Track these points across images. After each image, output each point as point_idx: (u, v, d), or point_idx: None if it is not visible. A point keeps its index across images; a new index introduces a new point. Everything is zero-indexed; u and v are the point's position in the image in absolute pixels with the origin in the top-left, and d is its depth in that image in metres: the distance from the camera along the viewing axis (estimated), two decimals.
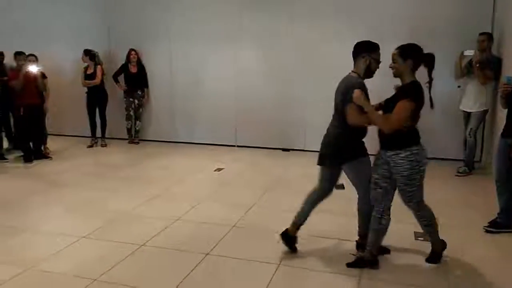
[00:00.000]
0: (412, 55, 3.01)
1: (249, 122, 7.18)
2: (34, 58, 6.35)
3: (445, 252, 3.29)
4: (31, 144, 6.40)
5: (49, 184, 5.30)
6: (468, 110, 5.52)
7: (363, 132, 3.20)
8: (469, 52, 5.35)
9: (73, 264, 3.19)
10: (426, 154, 2.99)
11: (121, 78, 7.48)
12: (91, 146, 7.41)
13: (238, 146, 7.29)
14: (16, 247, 3.51)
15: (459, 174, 5.53)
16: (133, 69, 7.40)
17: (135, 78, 7.42)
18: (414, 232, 3.74)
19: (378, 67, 3.22)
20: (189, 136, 7.58)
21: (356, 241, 3.41)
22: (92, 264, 3.20)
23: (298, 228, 3.40)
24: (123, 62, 7.41)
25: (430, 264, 3.21)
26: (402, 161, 2.92)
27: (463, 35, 5.79)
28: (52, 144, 6.96)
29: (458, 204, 4.53)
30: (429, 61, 3.06)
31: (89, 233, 3.75)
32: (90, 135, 7.54)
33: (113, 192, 4.94)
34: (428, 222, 3.19)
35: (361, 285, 2.93)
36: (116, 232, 3.79)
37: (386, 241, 3.54)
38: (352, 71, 3.23)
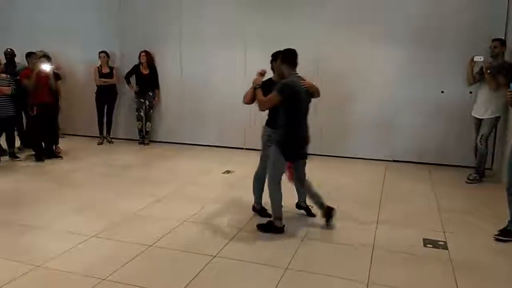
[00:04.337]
0: (276, 59, 3.90)
1: (258, 125, 7.16)
2: (45, 60, 6.44)
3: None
4: (43, 143, 6.46)
5: (59, 183, 5.35)
6: (480, 117, 5.46)
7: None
8: (479, 58, 5.28)
9: (82, 263, 3.22)
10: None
11: (133, 79, 7.56)
12: (101, 143, 7.62)
13: (246, 148, 7.30)
14: (26, 245, 3.55)
15: (469, 181, 5.48)
16: (144, 70, 7.46)
17: (146, 79, 7.49)
18: (423, 239, 3.72)
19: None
20: (198, 138, 7.61)
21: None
22: (101, 263, 3.23)
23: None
24: (136, 63, 7.48)
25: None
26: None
27: (476, 41, 5.75)
28: (62, 143, 7.04)
29: (468, 211, 4.48)
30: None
31: (98, 233, 3.78)
32: (99, 134, 7.72)
33: (123, 192, 4.98)
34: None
35: None
36: (125, 232, 3.81)
37: (393, 247, 3.54)
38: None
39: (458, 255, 3.42)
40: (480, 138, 5.42)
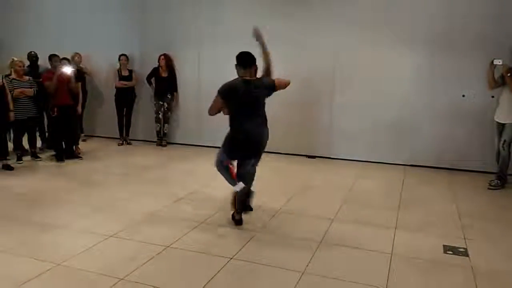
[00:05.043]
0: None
1: (274, 128, 7.14)
2: (66, 62, 6.59)
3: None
4: (63, 143, 6.58)
5: (79, 183, 5.43)
6: (502, 122, 5.35)
7: None
8: (498, 61, 5.19)
9: (101, 263, 3.26)
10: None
11: (152, 81, 7.69)
12: (121, 144, 7.77)
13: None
14: (46, 244, 3.61)
15: (491, 187, 5.37)
16: (163, 73, 7.54)
17: (165, 82, 7.57)
18: (443, 245, 3.65)
19: None
20: (215, 140, 7.58)
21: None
22: (119, 263, 3.26)
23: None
24: (155, 66, 7.57)
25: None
26: None
27: (499, 43, 5.65)
28: (83, 144, 7.16)
29: (490, 218, 4.39)
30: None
31: (116, 233, 3.82)
32: (119, 135, 7.88)
33: (141, 193, 5.03)
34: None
35: None
36: (143, 233, 3.85)
37: (412, 253, 3.48)
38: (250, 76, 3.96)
39: (479, 262, 3.35)
40: (503, 144, 5.31)
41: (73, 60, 7.52)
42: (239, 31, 7.14)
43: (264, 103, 4.04)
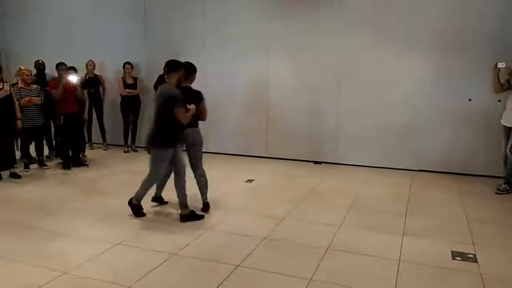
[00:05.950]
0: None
1: (280, 134, 7.17)
2: (72, 71, 6.65)
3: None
4: (70, 151, 6.61)
5: (85, 191, 5.45)
6: (509, 125, 5.31)
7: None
8: (501, 64, 5.18)
9: (108, 271, 3.26)
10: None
11: None
12: (126, 152, 7.81)
13: (268, 157, 7.29)
14: (53, 252, 3.62)
15: (499, 192, 5.32)
16: None
17: None
18: (452, 251, 3.62)
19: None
20: (220, 147, 7.64)
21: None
22: (127, 271, 3.26)
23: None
24: (160, 74, 7.60)
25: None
26: None
27: (505, 47, 5.63)
28: (89, 152, 7.19)
29: (499, 223, 4.35)
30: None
31: (123, 240, 3.83)
32: (124, 143, 7.91)
33: (147, 200, 5.02)
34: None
35: None
36: (150, 240, 3.85)
37: (421, 259, 3.45)
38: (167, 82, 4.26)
39: (488, 268, 3.32)
40: (510, 148, 5.27)
41: (86, 68, 7.66)
42: (244, 35, 7.19)
43: (165, 111, 4.13)
